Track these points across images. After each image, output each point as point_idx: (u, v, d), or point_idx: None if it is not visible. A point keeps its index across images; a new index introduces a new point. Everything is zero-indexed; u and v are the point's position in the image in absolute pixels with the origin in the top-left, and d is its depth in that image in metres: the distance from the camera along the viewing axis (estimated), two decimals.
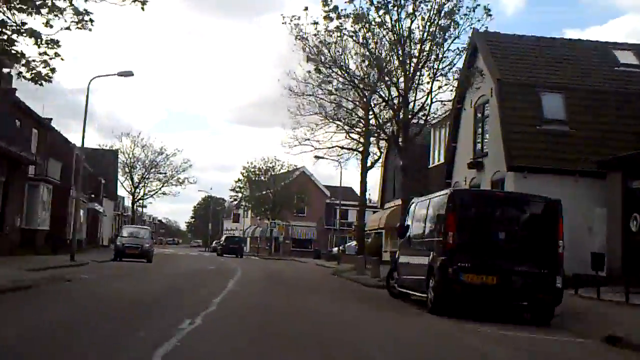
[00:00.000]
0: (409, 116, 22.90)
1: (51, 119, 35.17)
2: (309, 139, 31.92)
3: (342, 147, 33.69)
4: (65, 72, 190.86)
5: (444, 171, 27.37)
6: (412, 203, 16.05)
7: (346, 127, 30.64)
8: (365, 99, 25.83)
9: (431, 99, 22.91)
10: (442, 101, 24.17)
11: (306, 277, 26.85)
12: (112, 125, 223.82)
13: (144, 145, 66.36)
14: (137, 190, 67.65)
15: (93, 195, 46.13)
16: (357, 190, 43.64)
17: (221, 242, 59.51)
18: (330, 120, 30.21)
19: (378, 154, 35.48)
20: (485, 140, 23.55)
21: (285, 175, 68.01)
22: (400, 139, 23.57)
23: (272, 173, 66.04)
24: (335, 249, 57.64)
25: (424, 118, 23.50)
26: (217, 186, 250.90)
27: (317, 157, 45.48)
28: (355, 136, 32.09)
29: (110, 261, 29.57)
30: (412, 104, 23.03)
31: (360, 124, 30.14)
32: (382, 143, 32.12)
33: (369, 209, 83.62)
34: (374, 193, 56.81)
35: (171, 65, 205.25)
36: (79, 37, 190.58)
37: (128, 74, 27.45)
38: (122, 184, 67.72)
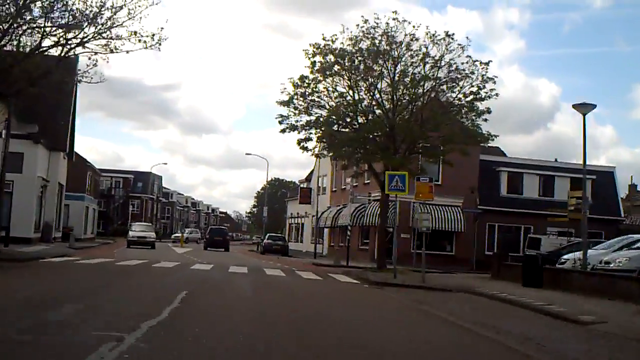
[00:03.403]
0: None
1: None
2: None
3: None
4: (149, 69, 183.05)
5: None
6: None
7: None
8: None
9: None
10: None
11: None
12: (193, 122, 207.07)
13: None
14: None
15: None
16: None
17: (206, 235, 54.00)
18: None
19: None
20: None
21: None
22: None
23: (395, 56, 26.83)
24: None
25: None
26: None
27: None
28: None
29: None
30: None
31: None
32: None
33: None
34: None
35: (250, 61, 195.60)
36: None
37: None
38: None
